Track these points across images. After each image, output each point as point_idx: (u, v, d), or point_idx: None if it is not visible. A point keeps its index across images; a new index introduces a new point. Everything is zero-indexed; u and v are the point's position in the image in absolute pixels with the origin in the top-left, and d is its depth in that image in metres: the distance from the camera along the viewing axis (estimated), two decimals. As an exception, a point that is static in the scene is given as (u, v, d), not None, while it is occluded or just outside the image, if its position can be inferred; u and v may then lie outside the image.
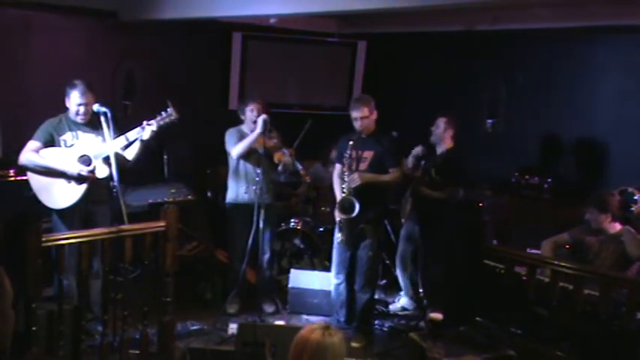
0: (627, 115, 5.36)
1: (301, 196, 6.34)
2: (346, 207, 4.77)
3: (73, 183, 4.42)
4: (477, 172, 6.15)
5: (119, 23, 6.06)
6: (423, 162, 5.33)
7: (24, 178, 4.55)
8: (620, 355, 3.90)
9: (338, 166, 5.01)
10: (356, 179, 4.73)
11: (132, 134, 4.47)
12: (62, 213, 4.45)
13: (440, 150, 5.31)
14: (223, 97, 6.97)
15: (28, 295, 3.50)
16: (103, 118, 4.32)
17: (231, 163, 5.28)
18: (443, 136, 5.27)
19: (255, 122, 5.09)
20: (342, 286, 5.10)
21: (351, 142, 4.79)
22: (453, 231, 5.32)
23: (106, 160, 4.37)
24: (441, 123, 5.28)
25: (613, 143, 5.42)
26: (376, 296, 5.52)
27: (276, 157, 5.22)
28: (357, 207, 4.71)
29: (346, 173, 4.79)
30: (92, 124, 4.51)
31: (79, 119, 4.48)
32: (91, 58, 6.03)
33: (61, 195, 4.42)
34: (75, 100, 4.45)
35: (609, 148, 5.44)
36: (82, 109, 4.45)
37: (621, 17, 5.07)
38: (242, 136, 5.17)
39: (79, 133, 4.52)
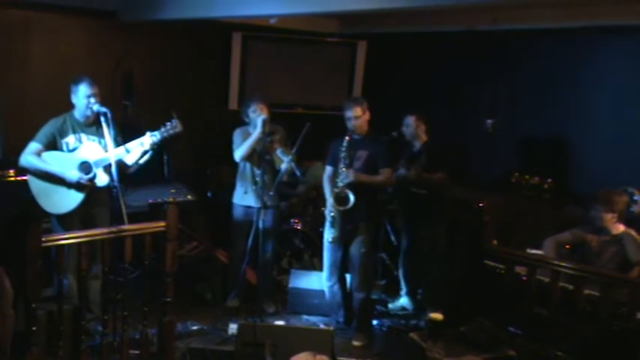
0: (628, 115, 5.36)
1: (301, 196, 6.35)
2: (342, 198, 4.78)
3: (72, 189, 4.42)
4: (477, 172, 6.16)
5: (119, 23, 6.06)
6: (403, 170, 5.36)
7: (24, 178, 4.55)
8: (620, 355, 3.91)
9: (328, 169, 5.02)
10: (350, 175, 4.75)
11: (133, 145, 4.44)
12: (61, 217, 4.44)
13: (416, 147, 5.39)
14: (223, 97, 6.97)
15: (28, 295, 3.50)
16: (102, 118, 4.32)
17: (239, 164, 5.30)
18: (416, 132, 5.37)
19: None
20: (336, 287, 5.10)
21: (347, 138, 4.82)
22: (452, 231, 5.33)
23: (107, 167, 4.37)
24: (410, 121, 5.37)
25: (613, 143, 5.41)
26: (376, 296, 5.53)
27: (275, 160, 5.23)
28: (352, 199, 4.72)
29: (341, 167, 4.81)
30: (95, 126, 4.50)
31: (89, 112, 4.45)
32: (91, 58, 6.03)
33: (60, 200, 4.41)
34: (84, 91, 4.42)
35: (610, 148, 5.44)
36: (92, 99, 4.41)
37: (621, 17, 5.08)
38: (247, 137, 5.17)
39: (83, 136, 4.50)
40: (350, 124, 4.85)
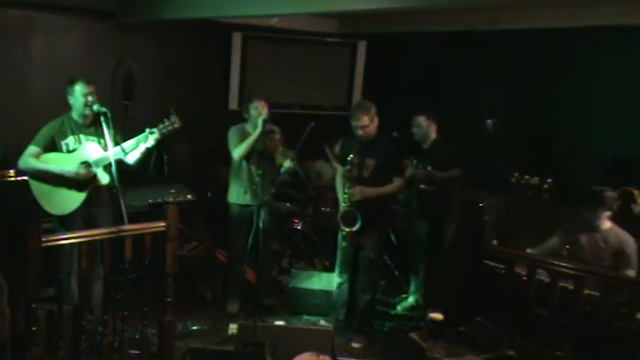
0: (628, 115, 5.36)
1: (302, 195, 6.35)
2: (348, 220, 4.76)
3: (73, 190, 4.42)
4: (477, 172, 6.16)
5: (119, 23, 6.06)
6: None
7: (24, 178, 4.55)
8: (620, 355, 3.90)
9: (341, 169, 4.98)
10: (357, 194, 4.71)
11: (129, 145, 4.43)
12: (63, 219, 4.44)
13: (426, 145, 5.39)
14: (223, 97, 6.97)
15: (28, 295, 3.50)
16: (102, 118, 4.33)
17: (233, 163, 5.28)
18: (428, 132, 5.39)
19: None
20: (345, 286, 5.09)
21: (351, 156, 4.76)
22: (453, 231, 5.33)
23: (107, 167, 4.37)
24: (422, 121, 5.38)
25: (613, 143, 5.41)
26: (376, 296, 5.53)
27: (277, 159, 5.24)
28: (359, 221, 4.70)
29: (347, 187, 4.76)
30: (94, 126, 4.50)
31: (88, 111, 4.44)
32: (91, 58, 6.03)
33: (61, 202, 4.41)
34: (81, 91, 4.41)
35: (610, 148, 5.44)
36: (90, 98, 4.41)
37: (621, 17, 5.08)
38: (245, 135, 5.17)
39: (82, 136, 4.50)
40: (357, 132, 4.77)
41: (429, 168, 5.27)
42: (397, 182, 4.82)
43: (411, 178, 5.31)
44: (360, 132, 4.75)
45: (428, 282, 5.54)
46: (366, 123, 4.72)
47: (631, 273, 4.23)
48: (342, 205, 4.81)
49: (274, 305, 5.43)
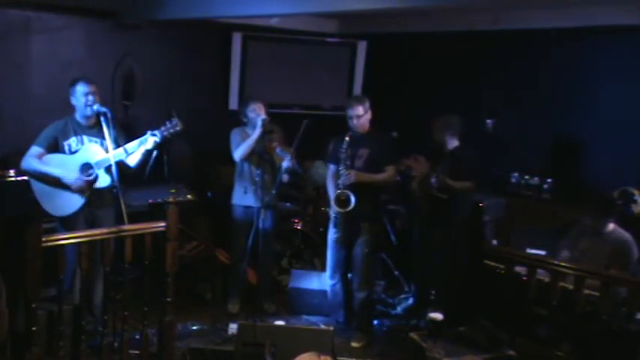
0: (627, 115, 5.36)
1: (302, 195, 6.35)
2: (342, 200, 4.77)
3: (74, 192, 4.41)
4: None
5: (119, 23, 6.06)
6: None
7: (24, 178, 4.55)
8: (620, 355, 3.91)
9: (332, 167, 5.01)
10: (352, 176, 4.74)
11: (131, 146, 4.44)
12: (64, 220, 4.43)
13: (447, 149, 5.27)
14: (223, 97, 6.97)
15: (28, 296, 3.50)
16: (102, 118, 4.33)
17: (237, 164, 5.30)
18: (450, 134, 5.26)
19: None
20: (338, 287, 5.10)
21: (347, 139, 4.81)
22: (453, 231, 5.32)
23: (108, 168, 4.37)
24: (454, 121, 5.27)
25: (613, 143, 5.42)
26: (376, 296, 5.53)
27: (275, 159, 5.25)
28: (353, 200, 4.71)
29: (342, 168, 4.80)
30: (97, 127, 4.49)
31: (89, 111, 4.44)
32: (91, 58, 6.02)
33: (62, 203, 4.41)
34: (82, 90, 4.42)
35: (609, 148, 5.44)
36: (90, 97, 4.41)
37: (621, 17, 5.08)
38: (246, 137, 5.18)
39: (84, 138, 4.50)
40: (351, 123, 4.84)
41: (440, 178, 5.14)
42: (389, 170, 4.86)
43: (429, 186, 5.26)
44: (354, 121, 4.82)
45: (428, 282, 5.53)
46: (361, 112, 4.81)
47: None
48: (337, 192, 4.80)
49: (275, 312, 5.41)
